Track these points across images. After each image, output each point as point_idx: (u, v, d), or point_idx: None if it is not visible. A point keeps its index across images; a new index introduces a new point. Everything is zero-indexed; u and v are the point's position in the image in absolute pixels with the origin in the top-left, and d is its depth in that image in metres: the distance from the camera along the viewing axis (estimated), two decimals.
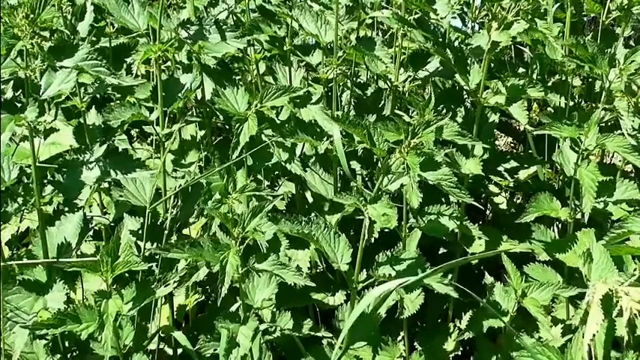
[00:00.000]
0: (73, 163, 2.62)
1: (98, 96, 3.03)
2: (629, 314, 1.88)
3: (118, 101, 3.02)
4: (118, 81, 2.51)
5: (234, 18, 3.24)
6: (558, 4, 3.24)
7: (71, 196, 2.60)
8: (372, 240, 2.44)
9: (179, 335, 2.64)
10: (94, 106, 3.01)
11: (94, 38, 3.06)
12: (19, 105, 2.40)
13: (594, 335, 1.91)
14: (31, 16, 2.32)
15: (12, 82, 2.75)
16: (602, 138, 2.73)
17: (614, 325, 2.01)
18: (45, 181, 2.62)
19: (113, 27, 3.23)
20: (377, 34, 3.31)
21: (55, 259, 2.49)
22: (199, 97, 3.10)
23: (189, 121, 3.18)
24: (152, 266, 2.55)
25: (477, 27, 3.47)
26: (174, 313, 2.97)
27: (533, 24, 2.78)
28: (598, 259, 2.18)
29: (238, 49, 2.92)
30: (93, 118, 3.00)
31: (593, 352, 1.98)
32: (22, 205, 2.50)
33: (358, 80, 3.43)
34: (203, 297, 3.05)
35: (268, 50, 3.25)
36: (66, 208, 2.60)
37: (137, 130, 3.47)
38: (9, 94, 2.75)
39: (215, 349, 2.43)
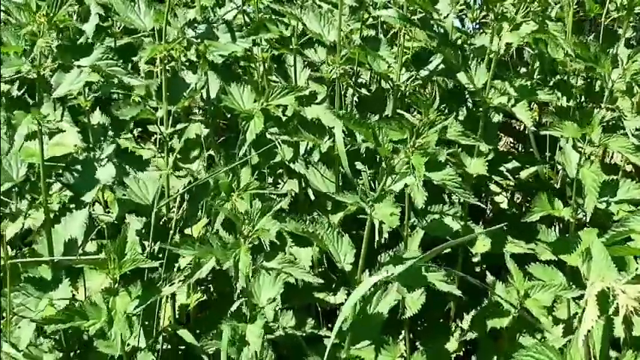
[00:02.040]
0: (86, 162, 2.64)
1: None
2: (624, 311, 1.89)
3: (122, 100, 3.04)
4: (135, 81, 2.53)
5: (243, 17, 3.25)
6: (558, 4, 3.25)
7: (82, 195, 2.61)
8: (382, 240, 2.45)
9: (185, 333, 2.66)
10: (98, 107, 3.02)
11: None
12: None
13: (589, 332, 1.92)
14: (50, 14, 2.33)
15: (17, 82, 2.76)
16: (605, 138, 2.74)
17: (612, 323, 2.02)
18: (54, 180, 2.64)
19: (118, 27, 3.24)
20: (377, 34, 3.31)
21: (62, 257, 2.51)
22: (204, 97, 3.11)
23: (194, 121, 3.19)
24: (159, 264, 2.56)
25: (475, 27, 3.47)
26: (176, 312, 2.98)
27: (545, 25, 2.79)
28: (597, 258, 2.19)
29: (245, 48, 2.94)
30: (97, 117, 3.01)
31: (591, 351, 1.99)
32: (30, 203, 2.51)
33: (360, 80, 3.43)
34: (204, 297, 3.06)
35: (275, 49, 3.26)
36: (72, 205, 2.61)
37: (139, 129, 3.48)
38: (14, 94, 2.76)
39: (217, 348, 2.45)
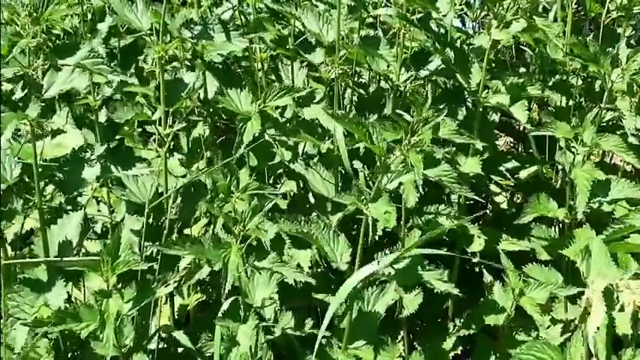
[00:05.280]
0: (74, 161, 2.64)
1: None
2: (632, 307, 1.88)
3: (119, 101, 3.04)
4: (120, 78, 2.54)
5: (240, 18, 3.25)
6: (555, 3, 3.24)
7: (71, 194, 2.61)
8: (376, 238, 2.45)
9: (180, 334, 2.65)
10: (104, 106, 3.03)
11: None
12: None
13: (598, 328, 1.90)
14: (34, 14, 2.33)
15: (21, 81, 2.77)
16: (597, 137, 2.74)
17: (614, 321, 2.01)
18: (46, 180, 2.64)
19: (122, 27, 3.25)
20: (376, 34, 3.31)
21: (57, 259, 2.51)
22: (202, 97, 3.11)
23: (193, 121, 3.19)
24: (153, 265, 2.56)
25: (477, 27, 3.47)
26: (175, 312, 2.98)
27: (532, 22, 2.79)
28: (596, 256, 2.18)
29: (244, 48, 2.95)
30: (104, 116, 3.02)
31: (593, 349, 1.98)
32: (25, 203, 2.51)
33: (360, 80, 3.43)
34: (204, 297, 3.06)
35: (272, 49, 3.26)
36: (68, 207, 2.61)
37: (140, 129, 3.48)
38: (18, 94, 2.76)
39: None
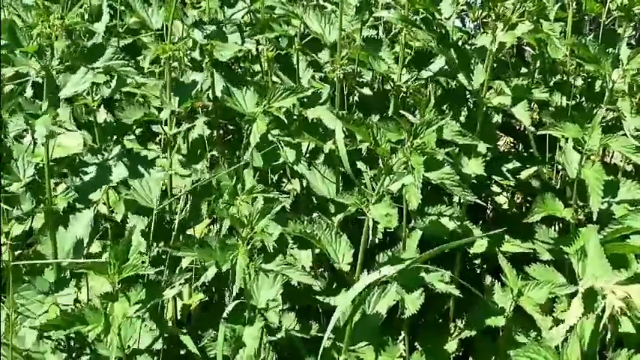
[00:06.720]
0: (98, 164, 2.66)
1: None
2: (610, 311, 1.91)
3: (124, 100, 3.05)
4: (145, 80, 2.55)
5: (250, 17, 3.27)
6: (559, 3, 3.24)
7: (88, 196, 2.63)
8: (376, 240, 2.46)
9: (185, 338, 2.66)
10: (102, 106, 3.04)
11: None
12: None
13: (572, 328, 1.93)
14: (64, 17, 2.36)
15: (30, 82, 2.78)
16: (605, 138, 2.74)
17: (601, 321, 2.03)
18: (59, 181, 2.66)
19: (121, 27, 3.26)
20: (378, 34, 3.33)
21: (64, 260, 2.52)
22: (211, 97, 3.11)
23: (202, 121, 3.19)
24: (161, 269, 2.57)
25: (477, 27, 3.48)
26: (178, 313, 2.99)
27: (539, 25, 2.79)
28: (592, 256, 2.20)
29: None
30: (102, 116, 3.02)
31: (580, 348, 2.01)
32: (36, 204, 2.53)
33: (362, 80, 3.44)
34: (206, 297, 3.06)
35: (280, 49, 3.27)
36: (78, 205, 2.62)
37: (140, 129, 3.49)
38: (29, 93, 2.78)
39: None
